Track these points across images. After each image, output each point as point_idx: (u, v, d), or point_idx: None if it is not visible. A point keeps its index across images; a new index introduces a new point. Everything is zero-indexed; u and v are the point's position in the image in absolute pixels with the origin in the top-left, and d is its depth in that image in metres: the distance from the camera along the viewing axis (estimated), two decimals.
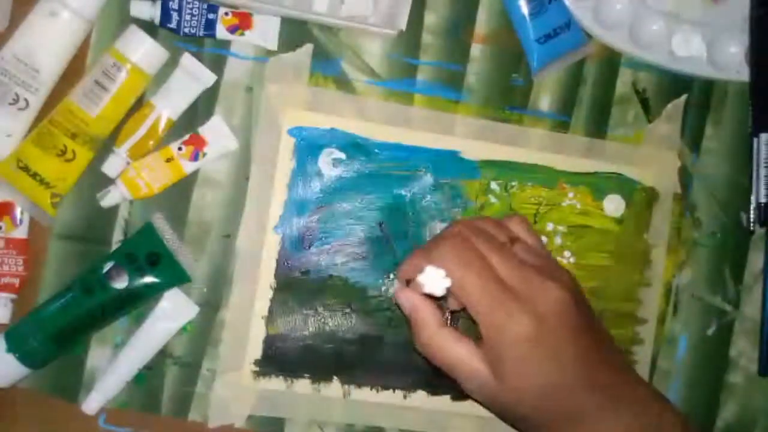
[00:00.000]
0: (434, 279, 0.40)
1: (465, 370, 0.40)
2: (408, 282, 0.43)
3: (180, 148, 0.49)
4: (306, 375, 0.51)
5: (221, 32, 0.49)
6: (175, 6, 0.49)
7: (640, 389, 0.42)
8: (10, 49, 0.47)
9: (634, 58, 0.54)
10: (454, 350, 0.40)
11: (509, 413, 0.41)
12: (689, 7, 0.53)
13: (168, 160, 0.49)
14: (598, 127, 0.54)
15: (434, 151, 0.52)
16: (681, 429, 0.40)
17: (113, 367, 0.48)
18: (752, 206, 0.54)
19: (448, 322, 0.43)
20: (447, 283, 0.40)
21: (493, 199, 0.52)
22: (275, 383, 0.51)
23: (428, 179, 0.52)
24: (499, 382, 0.39)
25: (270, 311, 0.50)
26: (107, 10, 0.49)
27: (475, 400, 0.43)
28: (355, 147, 0.51)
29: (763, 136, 0.54)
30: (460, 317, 0.47)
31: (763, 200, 0.53)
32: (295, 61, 0.51)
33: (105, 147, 0.49)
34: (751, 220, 0.54)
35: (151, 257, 0.48)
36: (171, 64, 0.49)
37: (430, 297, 0.41)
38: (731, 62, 0.53)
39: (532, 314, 0.39)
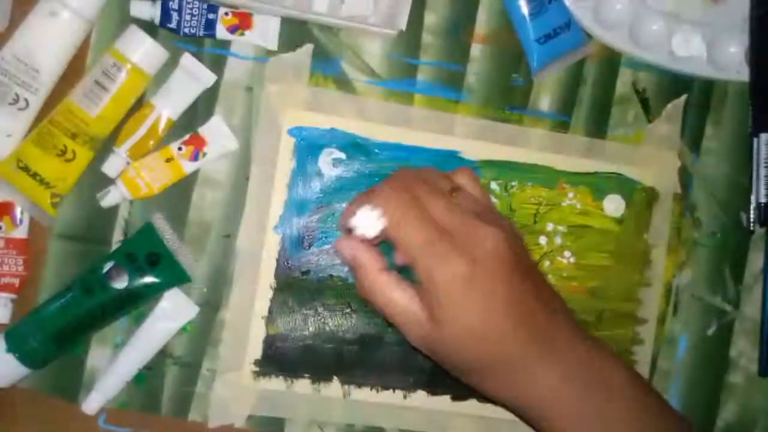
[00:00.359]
0: (368, 219, 0.39)
1: (403, 315, 0.39)
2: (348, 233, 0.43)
3: (180, 148, 0.49)
4: (306, 375, 0.51)
5: (221, 32, 0.49)
6: (175, 6, 0.49)
7: (578, 337, 0.40)
8: (10, 49, 0.47)
9: (634, 58, 0.54)
10: (394, 294, 0.39)
11: (448, 361, 0.40)
12: (689, 7, 0.53)
13: (168, 160, 0.49)
14: (598, 127, 0.54)
15: (434, 151, 0.52)
16: (618, 371, 0.39)
17: (113, 367, 0.48)
18: (752, 206, 0.54)
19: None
20: (380, 224, 0.39)
21: (493, 199, 0.52)
22: (275, 383, 0.51)
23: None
24: (436, 328, 0.38)
25: (270, 311, 0.50)
26: (107, 10, 0.49)
27: (418, 352, 0.41)
28: (355, 147, 0.51)
29: (763, 136, 0.53)
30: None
31: (763, 200, 0.53)
32: (295, 61, 0.51)
33: (105, 147, 0.49)
34: (752, 220, 0.54)
35: (151, 257, 0.48)
36: (171, 64, 0.49)
37: (370, 244, 0.41)
38: (731, 62, 0.53)
39: (467, 256, 0.37)
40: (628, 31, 0.53)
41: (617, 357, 0.41)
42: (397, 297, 0.39)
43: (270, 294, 0.50)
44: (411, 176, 0.41)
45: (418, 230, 0.38)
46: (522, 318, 0.38)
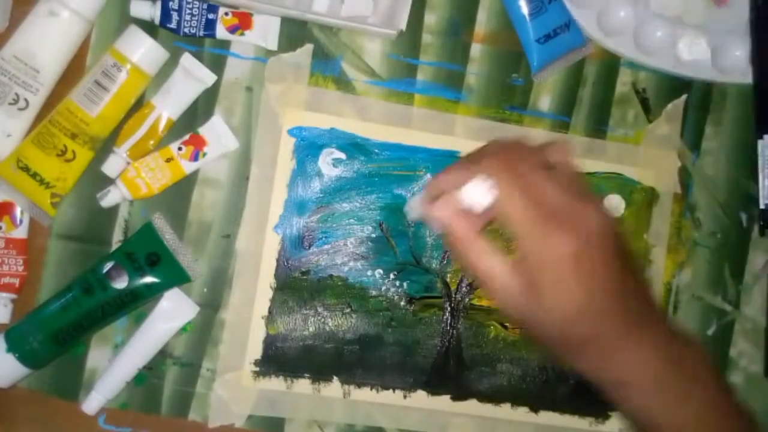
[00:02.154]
0: (480, 191, 0.39)
1: (499, 283, 0.40)
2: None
3: (180, 148, 0.49)
4: (306, 375, 0.51)
5: (221, 32, 0.49)
6: (175, 6, 0.49)
7: (665, 322, 0.42)
8: (10, 49, 0.47)
9: (637, 61, 0.54)
10: (490, 261, 0.40)
11: (541, 331, 0.41)
12: (693, 11, 0.53)
13: (168, 160, 0.49)
14: (598, 128, 0.54)
15: (434, 151, 0.52)
16: (701, 362, 0.41)
17: (113, 367, 0.48)
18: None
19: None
20: (490, 197, 0.39)
21: None
22: (275, 383, 0.51)
23: (428, 179, 0.52)
24: (533, 300, 0.39)
25: (270, 311, 0.50)
26: (107, 10, 0.49)
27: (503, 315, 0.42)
28: (355, 147, 0.51)
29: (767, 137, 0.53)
30: None
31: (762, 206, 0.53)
32: (295, 61, 0.51)
33: (105, 147, 0.49)
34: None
35: (151, 257, 0.48)
36: (171, 64, 0.49)
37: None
38: (737, 65, 0.53)
39: (574, 236, 0.39)
40: (632, 38, 0.53)
41: (695, 340, 0.42)
42: (494, 265, 0.40)
43: (270, 294, 0.50)
44: (511, 151, 0.42)
45: (525, 207, 0.39)
46: (621, 298, 0.40)
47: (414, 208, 0.44)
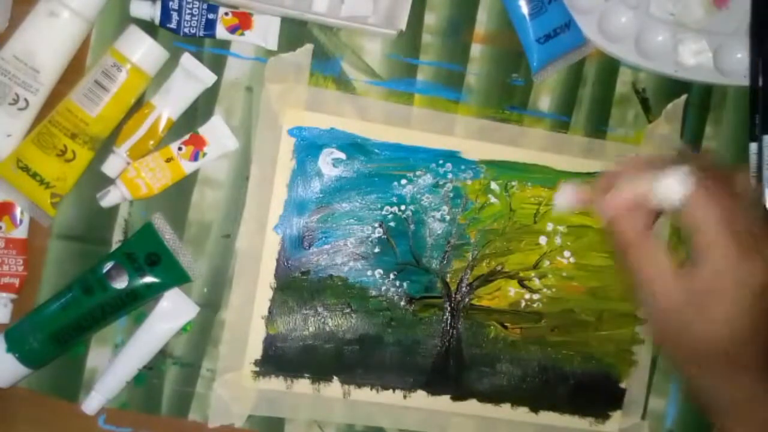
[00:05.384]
0: (678, 184, 0.37)
1: (661, 285, 0.39)
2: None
3: (180, 148, 0.49)
4: (306, 375, 0.51)
5: (221, 32, 0.49)
6: (175, 6, 0.49)
7: None
8: (10, 49, 0.47)
9: (639, 66, 0.54)
10: (658, 263, 0.39)
11: (679, 342, 0.40)
12: (693, 15, 0.53)
13: (168, 160, 0.49)
14: (598, 127, 0.54)
15: (434, 151, 0.52)
16: None
17: (113, 367, 0.48)
18: None
19: None
20: (687, 191, 0.37)
21: (493, 199, 0.52)
22: (275, 383, 0.51)
23: (428, 179, 0.52)
24: (697, 310, 0.38)
25: (270, 311, 0.50)
26: (107, 10, 0.49)
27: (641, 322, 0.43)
28: (355, 147, 0.51)
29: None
30: None
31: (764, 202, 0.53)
32: (295, 61, 0.51)
33: (105, 147, 0.49)
34: None
35: (151, 257, 0.48)
36: (171, 64, 0.49)
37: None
38: (738, 68, 0.53)
39: (765, 267, 0.38)
40: (633, 43, 0.53)
41: None
42: (663, 267, 0.39)
43: (270, 294, 0.50)
44: (705, 163, 0.40)
45: (724, 220, 0.38)
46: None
47: (566, 197, 0.42)
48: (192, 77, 0.49)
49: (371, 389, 0.51)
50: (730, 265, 0.38)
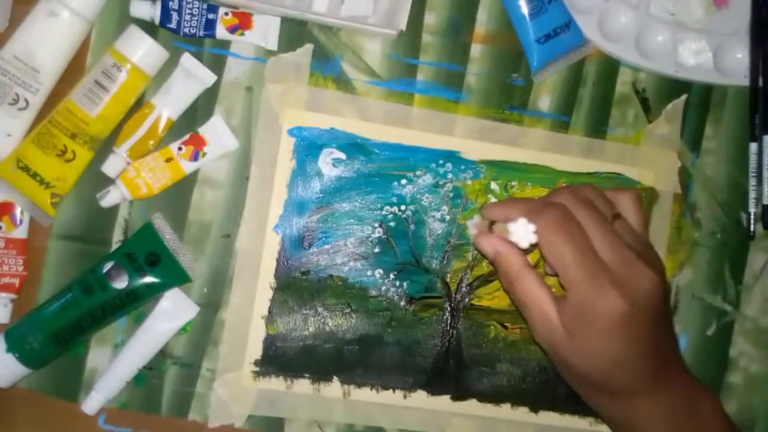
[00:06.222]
0: (525, 231, 0.42)
1: (539, 313, 0.42)
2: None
3: (180, 148, 0.49)
4: (306, 375, 0.51)
5: (221, 32, 0.49)
6: (175, 6, 0.49)
7: (687, 371, 0.45)
8: (10, 49, 0.47)
9: (639, 66, 0.54)
10: (533, 290, 0.42)
11: (567, 368, 0.43)
12: (693, 14, 0.53)
13: (168, 160, 0.49)
14: (598, 127, 0.54)
15: (434, 151, 0.52)
16: (715, 413, 0.43)
17: (113, 367, 0.48)
18: (752, 211, 0.54)
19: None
20: (534, 238, 0.42)
21: (493, 199, 0.52)
22: (275, 383, 0.51)
23: (428, 179, 0.52)
24: (571, 342, 0.41)
25: (270, 311, 0.50)
26: (107, 10, 0.49)
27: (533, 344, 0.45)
28: (355, 147, 0.51)
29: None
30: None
31: (766, 201, 0.54)
32: (295, 61, 0.51)
33: (105, 147, 0.49)
34: (752, 221, 0.54)
35: (151, 257, 0.48)
36: (171, 64, 0.49)
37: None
38: (738, 68, 0.53)
39: (625, 296, 0.40)
40: (633, 43, 0.53)
41: (712, 393, 0.45)
42: (536, 294, 0.42)
43: (270, 294, 0.50)
44: (574, 197, 0.43)
45: (579, 262, 0.40)
46: (653, 356, 0.42)
47: (471, 230, 0.49)
48: (192, 77, 0.49)
49: (371, 389, 0.51)
50: (590, 300, 0.40)
